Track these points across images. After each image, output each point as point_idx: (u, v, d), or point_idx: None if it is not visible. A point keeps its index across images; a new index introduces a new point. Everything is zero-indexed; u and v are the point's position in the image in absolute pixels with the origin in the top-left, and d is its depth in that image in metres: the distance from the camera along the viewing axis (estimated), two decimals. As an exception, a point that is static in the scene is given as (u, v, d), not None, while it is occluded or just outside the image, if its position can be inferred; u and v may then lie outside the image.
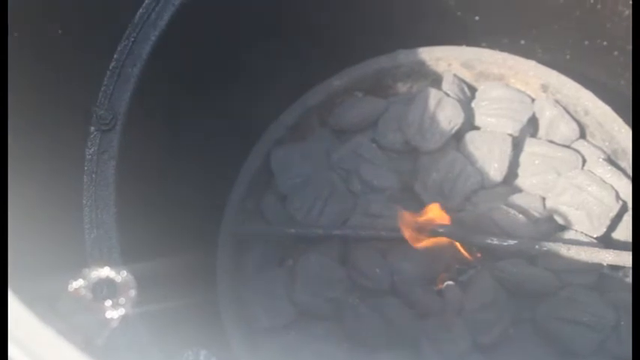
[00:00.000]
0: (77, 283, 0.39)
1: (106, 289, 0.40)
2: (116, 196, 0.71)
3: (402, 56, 1.03)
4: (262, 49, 0.92)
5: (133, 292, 0.40)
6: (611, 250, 0.85)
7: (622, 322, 0.85)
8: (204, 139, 0.91)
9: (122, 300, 0.40)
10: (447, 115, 0.96)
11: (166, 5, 0.77)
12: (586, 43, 0.99)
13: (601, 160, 0.94)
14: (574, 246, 0.86)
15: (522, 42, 1.03)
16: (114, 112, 0.73)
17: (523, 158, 0.97)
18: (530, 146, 0.97)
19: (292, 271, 0.93)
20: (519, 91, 1.01)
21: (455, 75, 1.02)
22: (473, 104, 1.01)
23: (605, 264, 0.86)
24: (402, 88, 1.06)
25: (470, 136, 0.97)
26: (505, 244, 0.87)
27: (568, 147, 0.98)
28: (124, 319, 0.40)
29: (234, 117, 0.94)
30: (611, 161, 0.96)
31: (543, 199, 0.94)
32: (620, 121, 0.96)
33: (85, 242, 0.68)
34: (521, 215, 0.90)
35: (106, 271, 0.40)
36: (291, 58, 0.95)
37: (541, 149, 0.96)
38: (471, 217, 0.92)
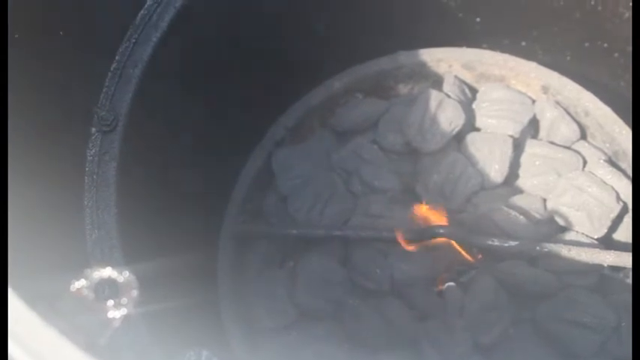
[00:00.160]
0: (79, 283, 0.40)
1: (108, 289, 0.40)
2: (117, 197, 0.71)
3: (403, 57, 1.03)
4: (263, 50, 0.92)
5: (134, 293, 0.40)
6: (612, 251, 0.85)
7: (623, 324, 0.85)
8: (205, 140, 0.91)
9: (124, 300, 0.40)
10: (448, 117, 0.96)
11: (167, 7, 0.77)
12: (586, 44, 0.99)
13: (602, 161, 0.94)
14: (575, 247, 0.86)
15: (523, 43, 1.03)
16: (115, 114, 0.73)
17: (524, 159, 0.97)
18: (530, 147, 0.97)
19: (293, 272, 0.93)
20: (520, 92, 1.01)
21: (456, 76, 1.02)
22: (474, 105, 1.01)
23: (605, 265, 0.86)
24: (402, 89, 1.06)
25: (471, 138, 0.97)
26: (506, 245, 0.87)
27: (569, 148, 0.98)
28: (125, 319, 0.40)
29: (234, 118, 0.94)
30: (612, 162, 0.96)
31: (544, 200, 0.94)
32: (620, 122, 0.96)
33: (87, 243, 0.68)
34: (521, 216, 0.90)
35: (108, 272, 0.40)
36: (292, 60, 0.96)
37: (542, 150, 0.96)
38: (472, 219, 0.92)
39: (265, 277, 0.94)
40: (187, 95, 0.85)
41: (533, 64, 1.00)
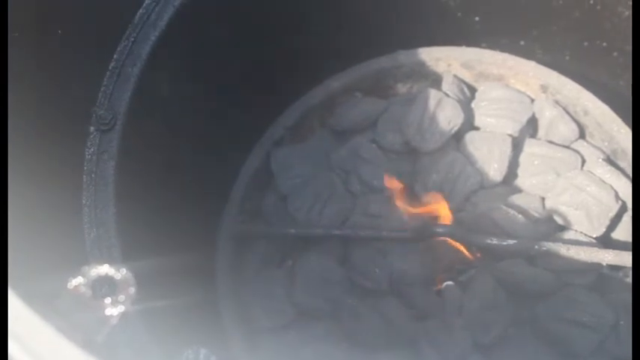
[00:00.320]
0: (77, 281, 0.40)
1: (105, 286, 0.40)
2: (116, 196, 0.71)
3: (402, 57, 1.03)
4: (262, 49, 0.92)
5: (132, 290, 0.40)
6: (611, 250, 0.85)
7: (621, 322, 0.85)
8: (204, 139, 0.91)
9: (121, 297, 0.40)
10: (447, 116, 0.96)
11: (166, 6, 0.77)
12: (585, 43, 0.99)
13: (600, 160, 0.94)
14: (573, 246, 0.86)
15: (522, 43, 1.03)
16: (113, 112, 0.73)
17: (523, 158, 0.97)
18: (529, 146, 0.97)
19: (292, 271, 0.93)
20: (519, 91, 1.01)
21: (455, 75, 1.03)
22: (473, 105, 1.01)
23: (604, 264, 0.86)
24: (401, 88, 1.06)
25: (470, 137, 0.97)
26: (505, 244, 0.87)
27: (567, 147, 0.98)
28: (123, 316, 0.41)
29: (234, 117, 0.94)
30: (611, 161, 0.96)
31: (543, 199, 0.94)
32: (619, 121, 0.96)
33: (85, 242, 0.69)
34: (520, 215, 0.90)
35: (105, 269, 0.40)
36: (291, 59, 0.96)
37: (541, 149, 0.96)
38: (471, 218, 0.92)
39: (264, 277, 0.94)
40: (186, 94, 0.85)
41: (532, 63, 1.00)
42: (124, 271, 0.40)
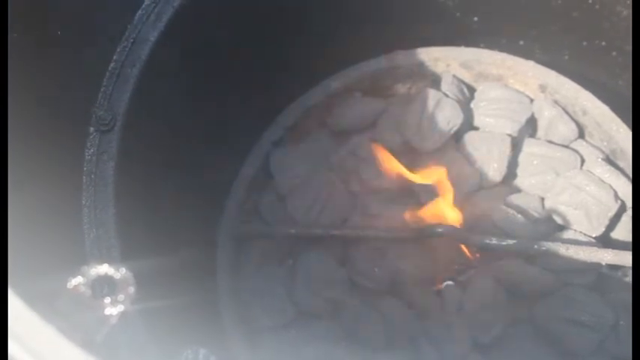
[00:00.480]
0: (76, 281, 0.40)
1: (105, 286, 0.40)
2: (115, 197, 0.71)
3: (401, 57, 1.03)
4: (261, 49, 0.92)
5: (131, 289, 0.40)
6: (610, 250, 0.85)
7: (621, 322, 0.85)
8: (204, 140, 0.91)
9: (121, 297, 0.40)
10: (446, 116, 0.96)
11: (165, 6, 0.77)
12: (584, 43, 0.99)
13: (599, 159, 0.94)
14: (573, 246, 0.86)
15: (521, 42, 1.03)
16: (113, 113, 0.73)
17: (522, 158, 0.97)
18: (528, 146, 0.97)
19: (292, 270, 0.94)
20: (518, 91, 1.01)
21: (454, 75, 1.03)
22: (472, 105, 1.01)
23: (603, 263, 0.86)
24: (400, 88, 1.06)
25: (469, 137, 0.97)
26: (504, 243, 0.87)
27: (567, 147, 0.98)
28: (123, 316, 0.41)
29: (233, 117, 0.94)
30: (610, 161, 0.96)
31: (542, 199, 0.94)
32: (618, 120, 0.96)
33: (85, 242, 0.69)
34: (520, 215, 0.90)
35: (104, 269, 0.40)
36: (290, 59, 0.96)
37: (540, 149, 0.96)
38: (471, 218, 0.92)
39: (264, 276, 0.94)
40: (185, 95, 0.85)
41: (531, 63, 1.00)
42: (123, 270, 0.40)
